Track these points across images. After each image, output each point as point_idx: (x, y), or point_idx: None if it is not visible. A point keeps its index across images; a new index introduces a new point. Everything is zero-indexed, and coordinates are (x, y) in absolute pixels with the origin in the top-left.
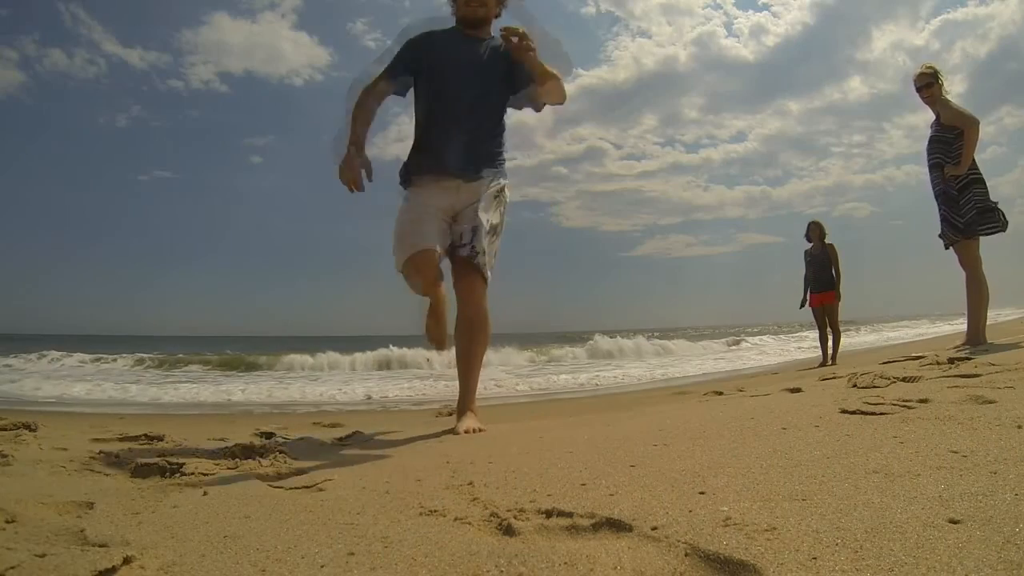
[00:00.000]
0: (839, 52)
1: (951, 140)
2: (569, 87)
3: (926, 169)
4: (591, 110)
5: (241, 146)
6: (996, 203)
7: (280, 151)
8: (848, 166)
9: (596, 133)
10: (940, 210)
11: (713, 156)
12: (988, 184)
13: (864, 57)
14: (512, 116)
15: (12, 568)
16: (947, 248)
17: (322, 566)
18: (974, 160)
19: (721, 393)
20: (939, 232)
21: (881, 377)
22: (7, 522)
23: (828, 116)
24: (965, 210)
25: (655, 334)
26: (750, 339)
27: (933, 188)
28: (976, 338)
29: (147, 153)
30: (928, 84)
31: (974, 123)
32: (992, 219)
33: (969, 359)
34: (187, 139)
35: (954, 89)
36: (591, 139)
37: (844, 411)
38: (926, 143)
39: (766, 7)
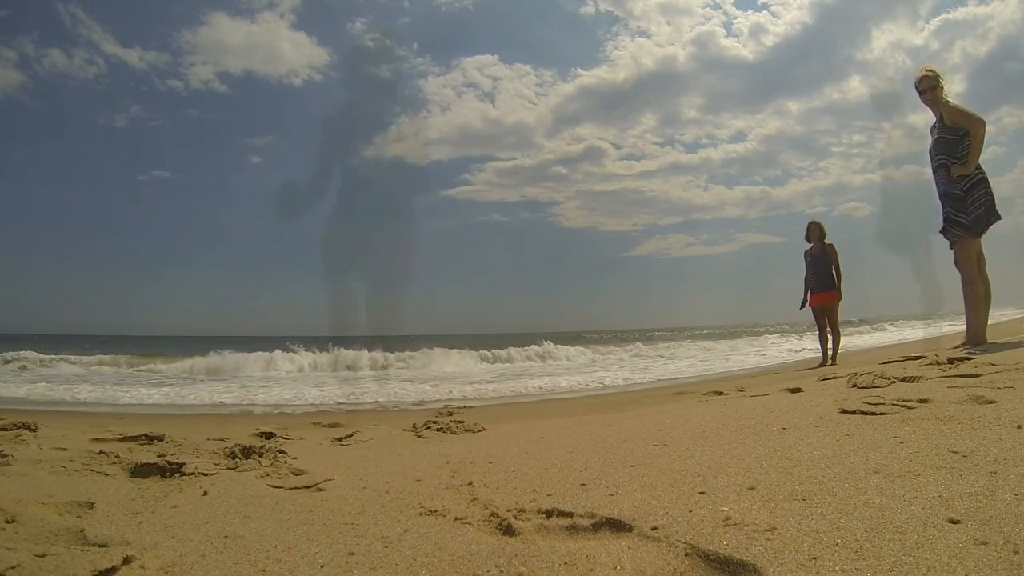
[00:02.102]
0: (838, 52)
1: (956, 141)
2: (568, 87)
3: (927, 169)
4: (590, 110)
5: (240, 146)
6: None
7: (280, 152)
8: (848, 166)
9: (595, 133)
10: (944, 210)
11: (713, 156)
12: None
13: (864, 57)
14: (511, 116)
15: (12, 568)
16: (952, 247)
17: (322, 566)
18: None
19: (721, 393)
20: (941, 229)
21: (881, 377)
22: (7, 522)
23: (827, 116)
24: (972, 208)
25: (657, 334)
26: (771, 337)
27: (938, 189)
28: (976, 338)
29: (147, 153)
30: (932, 87)
31: (981, 123)
32: (996, 214)
33: (969, 359)
34: (186, 139)
35: (953, 89)
36: (590, 139)
37: (844, 411)
38: (930, 145)
39: (765, 7)
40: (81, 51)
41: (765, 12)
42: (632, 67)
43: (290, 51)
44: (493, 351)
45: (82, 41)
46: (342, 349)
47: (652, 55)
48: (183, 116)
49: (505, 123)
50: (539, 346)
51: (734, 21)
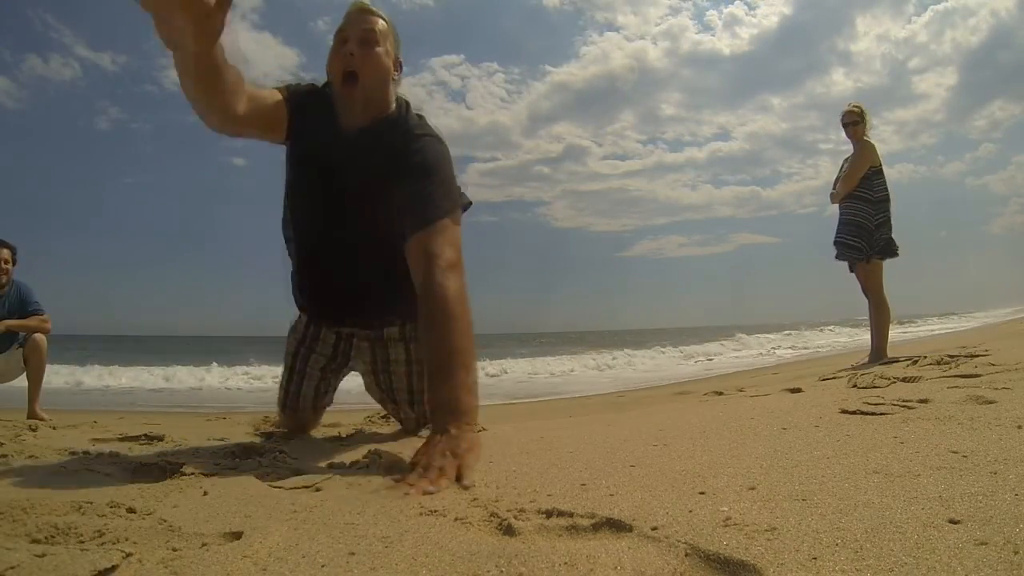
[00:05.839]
0: (820, 43)
1: (866, 176)
2: (541, 86)
3: (921, 168)
4: (564, 107)
5: (222, 148)
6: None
7: (261, 153)
8: (838, 164)
9: (573, 131)
10: (846, 238)
11: (697, 155)
12: (980, 180)
13: (847, 47)
14: (485, 116)
15: (12, 568)
16: (851, 270)
17: (322, 566)
18: (888, 199)
19: (721, 393)
20: (838, 254)
21: (881, 377)
22: (7, 522)
23: (812, 112)
24: (876, 238)
25: (655, 333)
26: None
27: (843, 215)
28: (879, 355)
29: (130, 156)
30: (854, 122)
31: (867, 161)
32: (893, 249)
33: (968, 359)
34: (167, 141)
35: (945, 81)
36: (569, 137)
37: (844, 411)
38: (837, 175)
39: None
40: (56, 55)
41: (739, 2)
42: (603, 62)
43: (258, 52)
44: (492, 351)
45: (55, 45)
46: None
47: (623, 49)
48: (161, 119)
49: (480, 123)
50: (537, 346)
51: (705, 14)
